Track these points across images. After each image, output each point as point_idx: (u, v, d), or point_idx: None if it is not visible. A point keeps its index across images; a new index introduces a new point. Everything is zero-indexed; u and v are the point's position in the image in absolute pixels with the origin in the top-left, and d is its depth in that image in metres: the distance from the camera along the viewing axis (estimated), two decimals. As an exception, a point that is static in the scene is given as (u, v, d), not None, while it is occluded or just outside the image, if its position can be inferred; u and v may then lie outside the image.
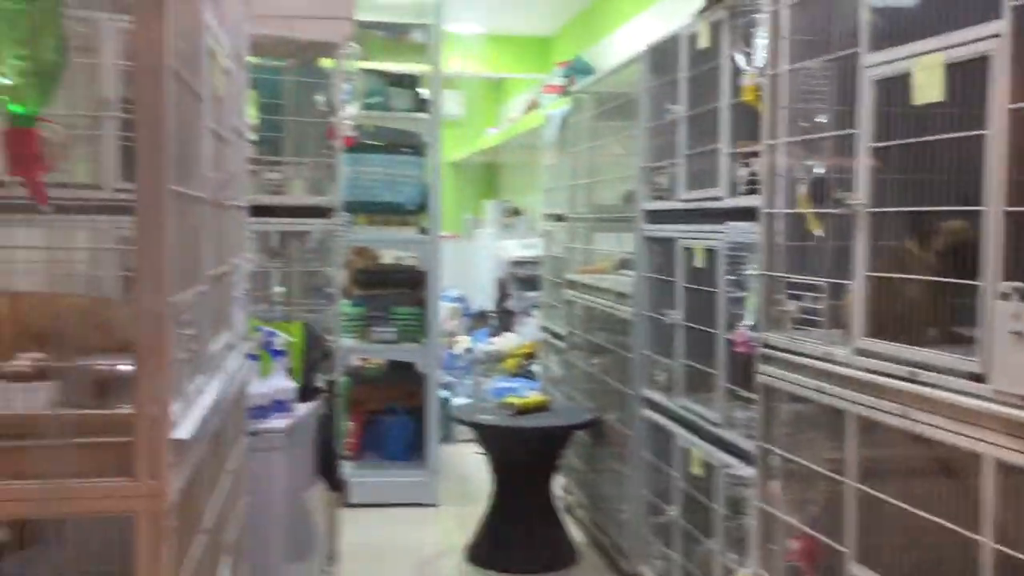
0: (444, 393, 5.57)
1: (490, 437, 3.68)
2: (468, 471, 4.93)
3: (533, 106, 6.40)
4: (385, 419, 4.79)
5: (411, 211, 4.65)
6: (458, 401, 5.57)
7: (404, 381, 4.85)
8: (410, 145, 4.71)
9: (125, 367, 1.25)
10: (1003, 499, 1.41)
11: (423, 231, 4.62)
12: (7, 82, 1.07)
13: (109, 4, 2.61)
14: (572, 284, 4.28)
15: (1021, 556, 1.37)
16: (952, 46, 1.52)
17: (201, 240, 1.57)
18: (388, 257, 5.58)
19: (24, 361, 1.44)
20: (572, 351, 4.33)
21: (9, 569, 2.18)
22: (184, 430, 1.29)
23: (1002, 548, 1.40)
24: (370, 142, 4.65)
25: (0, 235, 2.59)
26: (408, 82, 4.73)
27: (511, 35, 7.93)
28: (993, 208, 1.42)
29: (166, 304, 1.21)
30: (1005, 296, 1.39)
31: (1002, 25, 1.41)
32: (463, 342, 6.69)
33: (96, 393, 1.25)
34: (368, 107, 4.56)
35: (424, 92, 4.70)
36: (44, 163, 1.14)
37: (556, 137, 4.76)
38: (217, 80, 1.71)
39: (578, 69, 5.80)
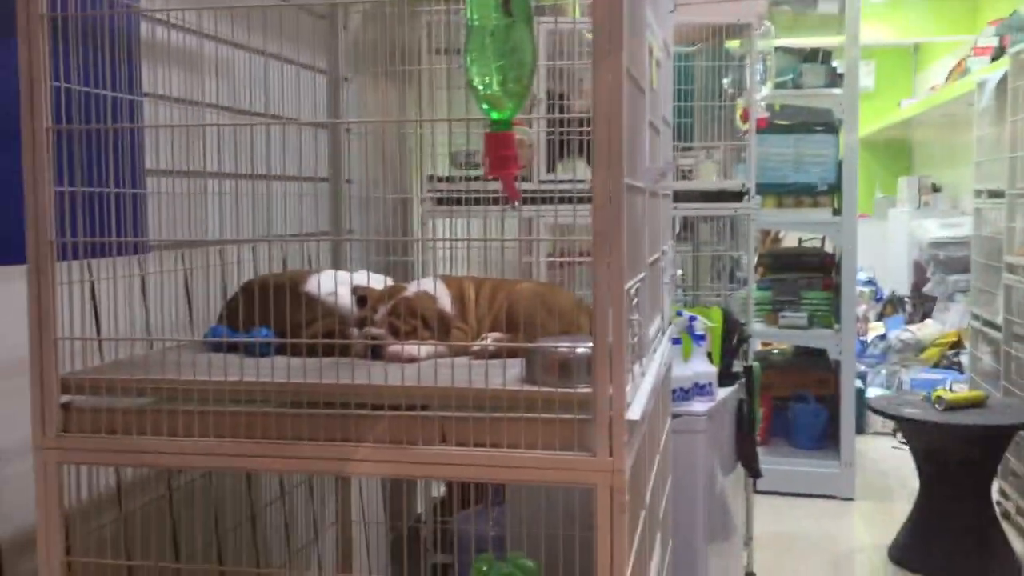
0: (857, 383, 5.30)
1: (917, 432, 3.43)
2: (886, 465, 4.64)
3: (959, 72, 5.82)
4: (793, 406, 4.66)
5: (823, 192, 4.46)
6: (872, 391, 5.26)
7: (812, 367, 4.69)
8: (822, 123, 4.52)
9: (582, 349, 1.34)
10: None
11: (835, 212, 4.41)
12: (491, 91, 1.18)
13: (536, 8, 2.81)
14: (1012, 267, 3.83)
15: None
16: None
17: (643, 229, 1.63)
18: (790, 240, 5.42)
19: (491, 341, 1.59)
20: (1012, 342, 3.89)
21: (460, 524, 2.45)
22: (634, 411, 1.35)
23: None
24: (779, 122, 4.54)
25: (445, 227, 2.91)
26: (820, 57, 4.53)
27: (929, -4, 7.29)
28: None
29: (624, 291, 1.27)
30: None
31: None
32: (875, 328, 6.30)
33: (557, 373, 1.35)
34: (779, 86, 4.44)
35: (837, 65, 4.48)
36: (517, 163, 1.25)
37: (991, 104, 4.29)
38: (653, 72, 1.77)
39: (1015, 27, 5.17)
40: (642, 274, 1.59)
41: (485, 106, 1.22)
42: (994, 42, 5.29)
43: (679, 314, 2.54)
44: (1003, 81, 4.07)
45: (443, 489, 2.81)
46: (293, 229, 2.16)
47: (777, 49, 4.56)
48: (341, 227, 2.33)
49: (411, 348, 1.52)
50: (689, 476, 2.43)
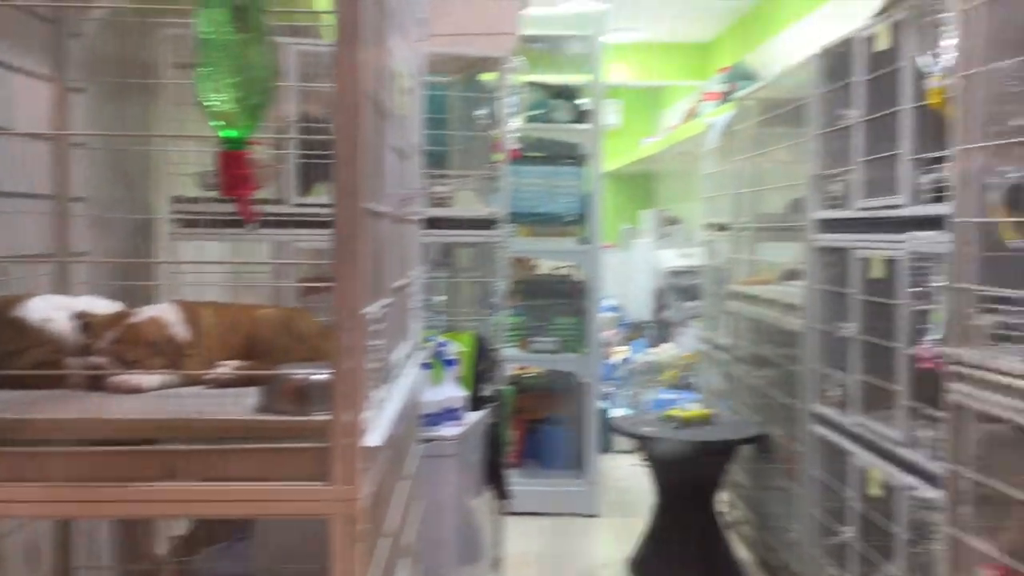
0: (602, 404, 5.57)
1: (652, 449, 3.65)
2: (629, 482, 4.90)
3: (692, 114, 6.32)
4: (544, 428, 4.83)
5: (570, 221, 4.67)
6: (616, 412, 5.55)
7: (562, 391, 4.88)
8: (570, 156, 4.75)
9: (320, 376, 1.31)
10: None
11: (583, 241, 4.63)
12: (224, 108, 1.14)
13: (288, 29, 2.76)
14: (736, 295, 4.19)
15: None
16: None
17: (386, 254, 1.63)
18: (545, 267, 5.64)
19: (227, 368, 1.53)
20: (736, 363, 4.24)
21: (203, 563, 2.32)
22: (374, 437, 1.34)
23: None
24: (531, 154, 4.72)
25: (193, 250, 2.77)
26: (569, 93, 4.76)
27: (670, 42, 7.86)
28: None
29: (361, 316, 1.26)
30: None
31: None
32: (621, 352, 6.66)
33: (294, 400, 1.32)
34: (530, 119, 4.62)
35: (584, 103, 4.72)
36: (253, 183, 1.21)
37: (718, 144, 4.68)
38: (400, 99, 1.78)
39: (739, 75, 5.69)
40: (386, 299, 1.59)
41: (217, 123, 1.17)
42: (723, 88, 5.79)
43: (430, 339, 2.56)
44: (729, 124, 4.46)
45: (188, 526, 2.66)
46: (13, 250, 1.98)
47: (530, 84, 4.74)
48: (66, 248, 2.16)
49: (136, 378, 1.43)
50: (439, 500, 2.44)
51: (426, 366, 2.44)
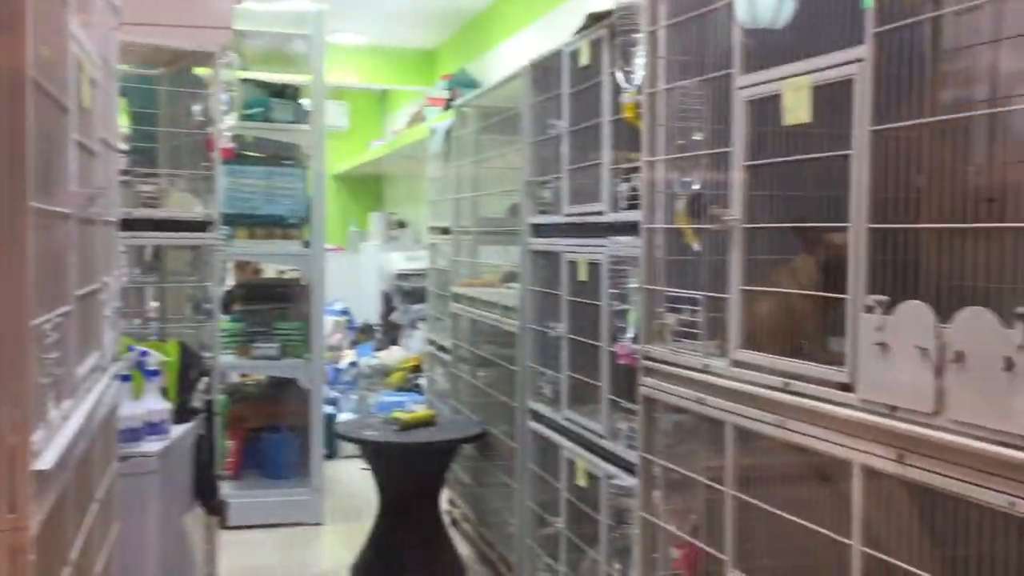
0: (329, 409, 5.48)
1: (375, 453, 3.64)
2: (355, 488, 4.86)
3: (417, 118, 6.38)
4: (267, 436, 4.68)
5: (293, 224, 4.56)
6: (343, 416, 5.48)
7: (287, 397, 4.75)
8: (291, 157, 4.63)
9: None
10: (870, 503, 1.47)
11: (306, 244, 4.53)
12: None
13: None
14: (458, 297, 4.27)
15: (886, 557, 1.43)
16: (818, 69, 1.58)
17: (68, 257, 1.49)
18: (272, 271, 5.47)
19: None
20: (458, 364, 4.33)
21: None
22: (46, 460, 1.22)
23: (869, 551, 1.46)
24: (250, 154, 4.55)
25: None
26: (290, 93, 4.64)
27: (395, 47, 7.90)
28: (857, 224, 1.49)
29: (27, 328, 1.15)
30: (869, 309, 1.46)
31: (864, 50, 1.48)
32: (348, 356, 6.60)
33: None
34: (247, 118, 4.45)
35: (306, 103, 4.63)
36: None
37: (440, 150, 4.76)
38: (85, 90, 1.64)
39: (462, 82, 5.82)
40: (66, 307, 1.46)
41: None
42: (446, 94, 5.89)
43: (130, 349, 2.39)
44: (451, 130, 4.54)
45: None
46: None
47: (248, 81, 4.57)
48: None
49: None
50: (140, 520, 2.28)
51: (125, 378, 2.28)
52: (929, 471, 1.34)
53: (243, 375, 4.96)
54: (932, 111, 1.48)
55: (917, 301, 1.38)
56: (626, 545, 2.45)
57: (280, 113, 4.52)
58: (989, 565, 1.27)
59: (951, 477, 1.30)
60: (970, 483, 1.27)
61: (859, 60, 1.48)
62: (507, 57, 5.64)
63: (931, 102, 1.51)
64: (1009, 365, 1.20)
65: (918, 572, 1.36)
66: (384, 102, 9.02)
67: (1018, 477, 1.19)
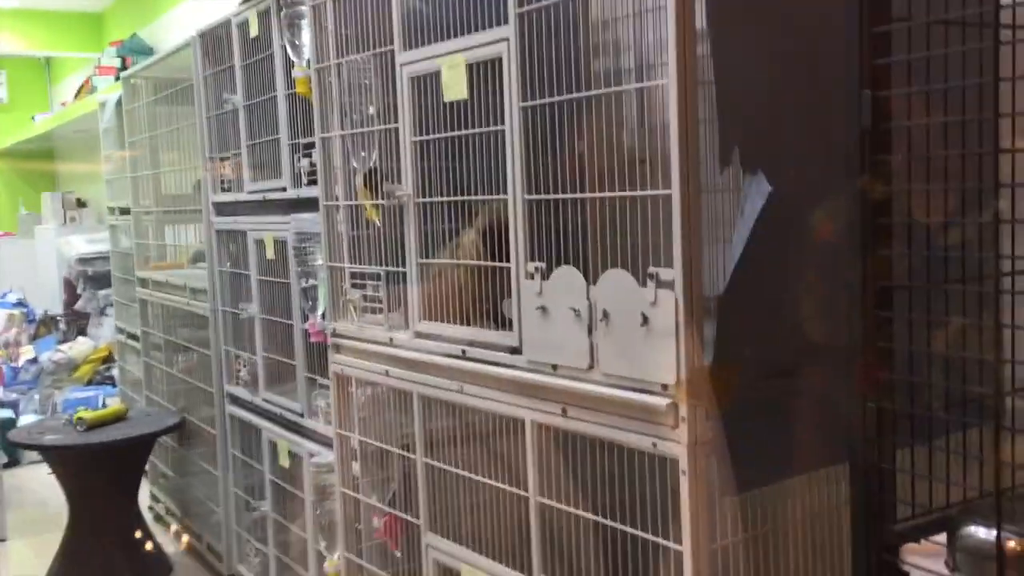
0: (8, 413, 4.99)
1: (59, 459, 3.36)
2: (44, 495, 4.46)
3: (86, 89, 5.89)
4: (-69, 452, 4.18)
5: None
6: (26, 419, 5.01)
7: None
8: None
9: None
10: (541, 456, 1.58)
11: (-40, 234, 4.06)
12: None
13: None
14: (144, 282, 4.03)
15: (557, 504, 1.55)
16: (471, 48, 1.64)
17: None
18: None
19: None
20: (151, 352, 4.09)
21: None
22: None
23: (543, 500, 1.57)
24: None
25: None
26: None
27: (60, 10, 7.18)
28: (514, 195, 1.57)
29: None
30: (530, 275, 1.55)
31: (509, 30, 1.55)
32: (27, 352, 6.02)
33: None
34: None
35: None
36: None
37: (113, 123, 4.42)
38: None
39: (135, 49, 5.45)
40: None
41: None
42: (117, 63, 5.48)
43: None
44: (121, 102, 4.23)
45: None
46: None
47: None
48: None
49: None
50: None
51: None
52: (588, 421, 1.46)
53: None
54: (584, 83, 1.56)
55: (569, 266, 1.48)
56: (331, 520, 2.45)
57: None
58: (639, 502, 1.41)
59: (605, 425, 1.42)
60: (619, 429, 1.40)
61: (505, 39, 1.56)
62: (182, 21, 5.32)
63: (584, 73, 1.60)
64: (644, 320, 1.33)
65: (585, 514, 1.49)
66: (49, 70, 8.22)
67: (657, 420, 1.33)
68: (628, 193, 1.41)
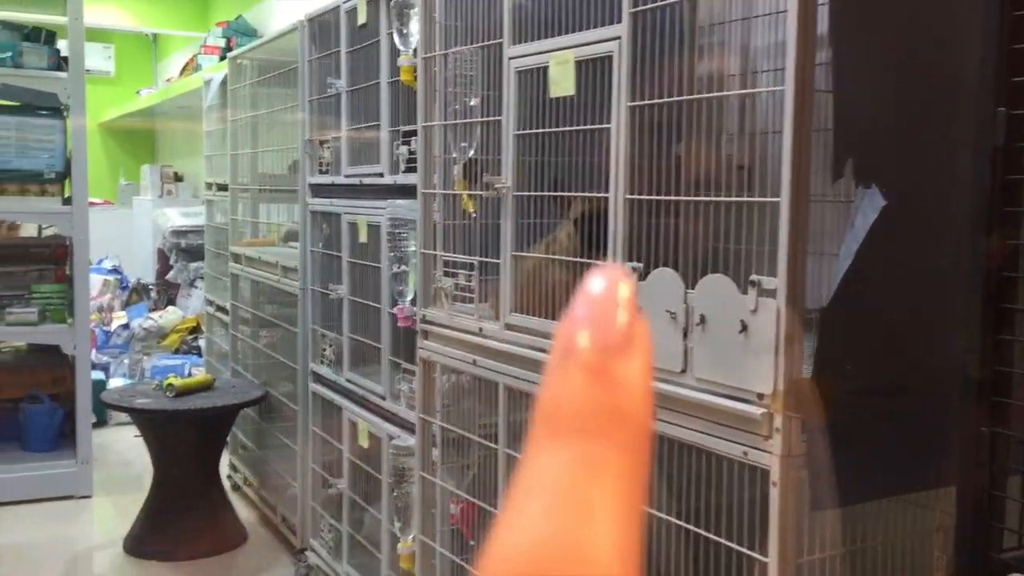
0: (99, 375, 5.18)
1: (148, 422, 3.48)
2: (130, 456, 4.63)
3: (191, 67, 6.07)
4: (26, 407, 4.36)
5: (51, 179, 4.23)
6: (115, 382, 5.20)
7: (46, 365, 4.44)
8: (47, 107, 4.28)
9: None
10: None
11: (66, 201, 4.22)
12: None
13: None
14: (237, 257, 4.14)
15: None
16: (581, 44, 1.65)
17: None
18: (30, 230, 5.06)
19: None
20: (238, 326, 4.20)
21: None
22: None
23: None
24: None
25: None
26: (44, 37, 4.27)
27: (166, -13, 7.43)
28: (615, 194, 1.57)
29: None
30: (627, 276, 1.55)
31: (622, 28, 1.55)
32: (119, 318, 6.25)
33: None
34: (-3, 63, 4.07)
35: (63, 47, 4.28)
36: None
37: (216, 102, 4.55)
38: None
39: (239, 30, 5.59)
40: None
41: None
42: (222, 43, 5.63)
43: None
44: (226, 81, 4.35)
45: None
46: None
47: (-7, 22, 4.17)
48: None
49: None
50: None
51: None
52: (677, 425, 1.45)
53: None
54: (689, 85, 1.57)
55: (668, 268, 1.48)
56: (408, 503, 2.49)
57: (33, 59, 4.16)
58: (727, 510, 1.40)
59: (695, 430, 1.42)
60: (710, 435, 1.39)
61: (617, 38, 1.56)
62: (286, 5, 5.44)
63: (689, 76, 1.60)
64: (743, 328, 1.32)
65: (669, 518, 1.48)
66: (155, 47, 8.49)
67: (750, 429, 1.32)
68: (734, 199, 1.40)
